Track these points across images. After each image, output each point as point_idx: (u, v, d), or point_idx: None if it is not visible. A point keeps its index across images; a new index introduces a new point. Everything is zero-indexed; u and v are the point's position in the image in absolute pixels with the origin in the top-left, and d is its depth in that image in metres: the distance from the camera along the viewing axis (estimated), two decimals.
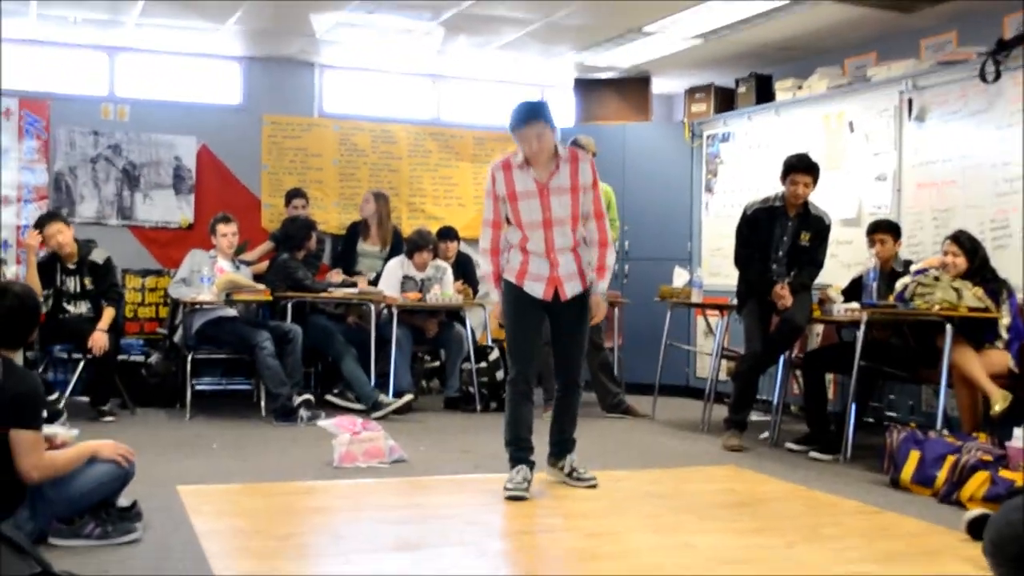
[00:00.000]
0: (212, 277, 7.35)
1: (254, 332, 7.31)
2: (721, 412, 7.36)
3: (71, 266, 7.32)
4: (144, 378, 7.82)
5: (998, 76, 6.59)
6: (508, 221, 5.07)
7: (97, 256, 7.39)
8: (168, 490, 4.85)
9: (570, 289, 5.04)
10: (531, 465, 5.06)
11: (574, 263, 5.04)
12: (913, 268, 6.32)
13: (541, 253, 5.00)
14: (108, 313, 7.21)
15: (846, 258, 7.39)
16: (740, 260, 6.75)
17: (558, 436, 5.28)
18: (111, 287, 7.40)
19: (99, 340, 6.96)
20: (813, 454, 6.26)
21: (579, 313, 5.10)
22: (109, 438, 4.14)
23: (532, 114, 4.94)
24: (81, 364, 7.30)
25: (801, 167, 6.52)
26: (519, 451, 5.07)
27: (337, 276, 8.29)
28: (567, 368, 5.21)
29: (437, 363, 9.12)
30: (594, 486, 5.12)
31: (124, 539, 3.91)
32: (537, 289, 5.03)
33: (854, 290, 6.75)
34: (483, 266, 5.22)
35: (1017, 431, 5.22)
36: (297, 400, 7.16)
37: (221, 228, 7.65)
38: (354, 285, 8.08)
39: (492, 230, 5.09)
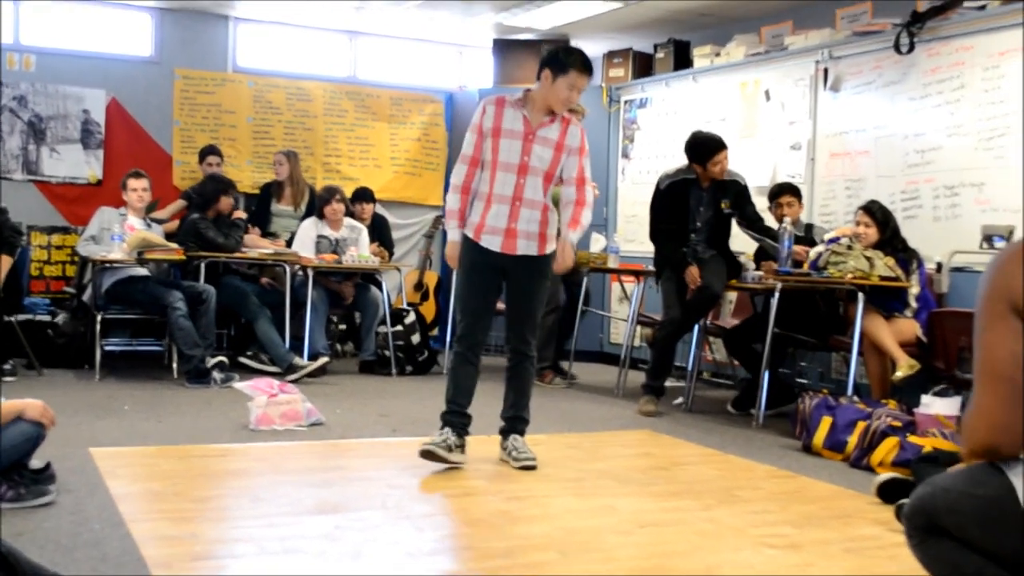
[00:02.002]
0: (123, 235, 7.19)
1: (166, 292, 7.17)
2: (636, 377, 7.45)
3: None
4: (51, 338, 7.62)
5: (912, 48, 6.70)
6: (481, 165, 4.84)
7: None
8: (81, 452, 4.76)
9: (524, 246, 4.82)
10: (459, 430, 4.86)
11: (537, 223, 4.82)
12: (826, 237, 6.43)
13: (507, 199, 4.77)
14: (6, 262, 6.93)
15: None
16: (656, 235, 6.78)
17: (505, 411, 5.05)
18: (9, 234, 7.04)
19: None
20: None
21: (530, 275, 4.88)
22: (13, 398, 4.01)
23: (591, 68, 4.81)
24: None
25: (721, 146, 6.54)
26: (449, 414, 4.89)
27: (265, 241, 8.16)
28: (515, 334, 4.96)
29: (343, 326, 9.06)
30: (531, 467, 4.80)
31: (38, 502, 3.82)
32: (494, 242, 4.80)
33: (762, 254, 6.88)
34: (449, 202, 4.90)
35: (925, 398, 5.37)
36: (211, 362, 7.06)
37: (132, 183, 7.46)
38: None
39: (468, 167, 4.85)
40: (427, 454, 4.71)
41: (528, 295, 4.91)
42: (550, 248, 4.88)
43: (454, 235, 4.89)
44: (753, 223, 6.69)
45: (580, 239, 4.99)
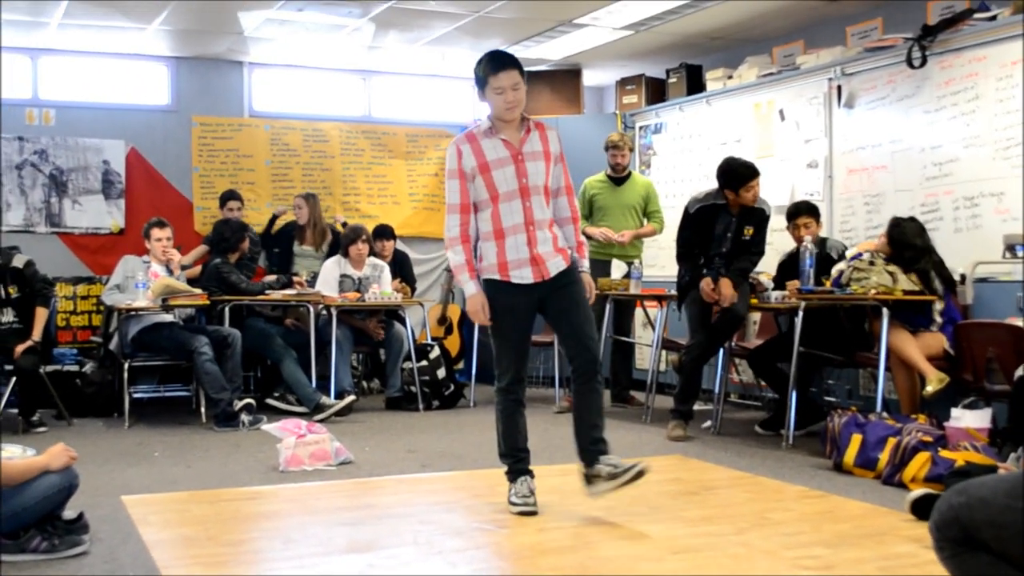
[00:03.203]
0: (147, 282, 7.24)
1: (192, 337, 7.21)
2: (662, 403, 7.43)
3: None
4: (79, 387, 7.69)
5: (924, 61, 6.71)
6: (474, 207, 4.55)
7: (18, 262, 7.13)
8: (113, 500, 4.77)
9: (554, 266, 4.53)
10: (532, 475, 4.64)
11: (551, 240, 4.53)
12: (848, 253, 6.41)
13: (519, 227, 4.48)
14: (41, 315, 7.04)
15: (780, 245, 7.46)
16: (683, 258, 6.76)
17: (587, 436, 4.56)
18: (41, 286, 7.14)
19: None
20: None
21: (573, 287, 4.58)
22: (42, 449, 4.03)
23: (510, 60, 4.48)
24: (13, 378, 7.10)
25: (754, 173, 6.50)
26: (518, 463, 4.62)
27: (273, 277, 8.22)
28: (582, 348, 4.53)
29: (365, 364, 9.07)
30: (641, 473, 4.42)
31: (72, 552, 3.83)
32: (525, 275, 4.50)
33: (782, 274, 6.86)
34: (452, 257, 4.56)
35: (955, 411, 5.33)
36: (238, 404, 7.08)
37: (156, 233, 7.52)
38: (290, 284, 8.01)
39: (461, 215, 4.52)
40: (528, 514, 4.50)
41: (579, 305, 4.58)
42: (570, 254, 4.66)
43: (471, 287, 4.53)
44: (749, 247, 6.62)
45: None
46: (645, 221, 8.12)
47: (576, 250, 4.68)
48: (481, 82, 4.50)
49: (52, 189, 8.82)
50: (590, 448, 4.54)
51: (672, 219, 7.45)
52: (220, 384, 7.09)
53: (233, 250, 7.93)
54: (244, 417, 7.01)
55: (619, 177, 8.07)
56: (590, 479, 4.53)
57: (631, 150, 8.12)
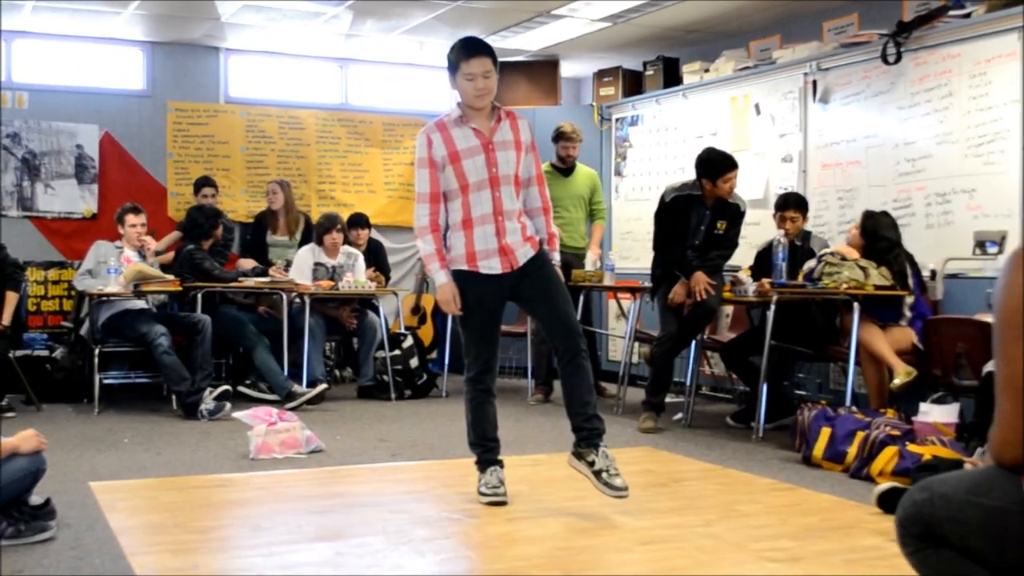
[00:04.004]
0: (119, 268, 7.20)
1: (150, 328, 7.13)
2: (634, 395, 7.46)
3: None
4: (49, 373, 7.64)
5: (899, 57, 6.74)
6: (444, 197, 4.51)
7: None
8: (81, 486, 4.76)
9: (522, 255, 4.48)
10: (501, 465, 4.62)
11: (519, 230, 4.49)
12: (820, 253, 6.44)
13: (487, 217, 4.43)
14: (11, 299, 7.00)
15: (755, 239, 7.49)
16: (660, 245, 6.78)
17: (580, 414, 4.47)
18: (12, 270, 7.10)
19: None
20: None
21: (544, 269, 4.54)
22: (12, 435, 4.00)
23: (482, 47, 4.43)
24: None
25: (733, 164, 6.52)
26: (487, 452, 4.61)
27: (249, 264, 8.19)
28: (563, 326, 4.47)
29: (332, 355, 9.07)
30: (623, 497, 4.36)
31: (38, 538, 3.81)
32: (494, 265, 4.46)
33: (760, 265, 6.89)
34: (422, 247, 4.52)
35: (923, 406, 5.38)
36: (213, 392, 7.03)
37: (130, 219, 7.47)
38: (264, 273, 7.98)
39: (430, 204, 4.47)
40: (497, 504, 4.49)
41: (553, 285, 4.54)
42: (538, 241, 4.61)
43: (441, 277, 4.49)
44: (721, 243, 6.64)
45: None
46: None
47: (548, 242, 4.64)
48: (452, 67, 4.44)
49: (24, 173, 8.75)
50: (585, 427, 4.47)
51: (648, 211, 7.45)
52: (179, 375, 7.01)
53: (206, 237, 7.89)
54: (203, 407, 6.91)
55: (566, 168, 8.07)
56: (579, 456, 4.48)
57: (580, 142, 8.11)
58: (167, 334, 7.10)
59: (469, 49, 4.42)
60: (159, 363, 7.08)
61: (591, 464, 4.42)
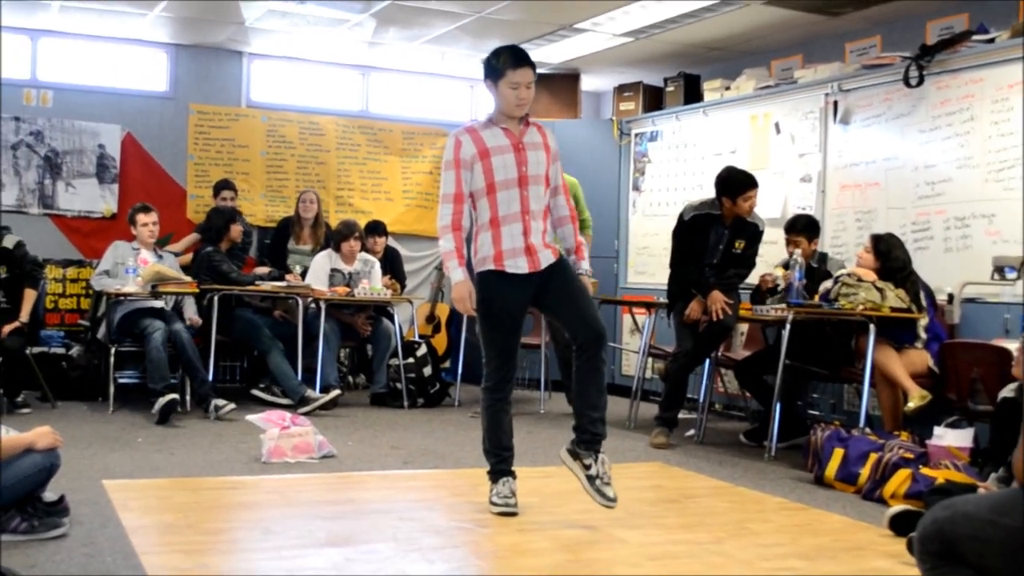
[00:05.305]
0: (137, 268, 7.23)
1: (150, 322, 7.10)
2: (647, 410, 7.45)
3: None
4: (65, 371, 7.68)
5: (921, 81, 6.73)
6: (472, 197, 4.52)
7: (8, 242, 7.10)
8: (94, 484, 4.78)
9: (544, 259, 4.49)
10: (514, 476, 4.63)
11: (541, 233, 4.50)
12: (837, 273, 6.43)
13: (515, 216, 4.43)
14: (29, 296, 7.04)
15: (772, 258, 7.49)
16: (677, 263, 6.78)
17: (585, 415, 4.48)
18: (31, 267, 7.14)
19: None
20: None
21: (568, 274, 4.55)
22: (28, 431, 4.03)
23: (528, 58, 4.46)
24: None
25: (753, 183, 6.52)
26: (502, 462, 4.60)
27: (265, 269, 8.21)
28: (585, 322, 4.45)
29: (346, 361, 9.08)
30: (610, 507, 4.42)
31: (51, 534, 3.83)
32: (521, 264, 4.45)
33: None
34: (443, 244, 4.50)
35: (937, 429, 5.35)
36: (162, 400, 6.78)
37: (141, 218, 7.50)
38: (281, 277, 8.00)
39: (455, 204, 4.47)
40: (508, 514, 4.50)
41: (574, 285, 4.54)
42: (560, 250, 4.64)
43: (458, 275, 4.48)
44: (738, 262, 6.65)
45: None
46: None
47: (576, 251, 4.67)
48: (497, 74, 4.44)
49: (46, 171, 8.80)
50: (589, 429, 4.47)
51: (665, 227, 7.45)
52: (159, 374, 6.92)
53: (220, 237, 7.90)
54: (155, 408, 6.77)
55: None
56: (575, 456, 4.50)
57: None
58: (164, 330, 7.07)
59: (518, 58, 4.45)
60: (147, 355, 7.01)
61: (587, 467, 4.45)
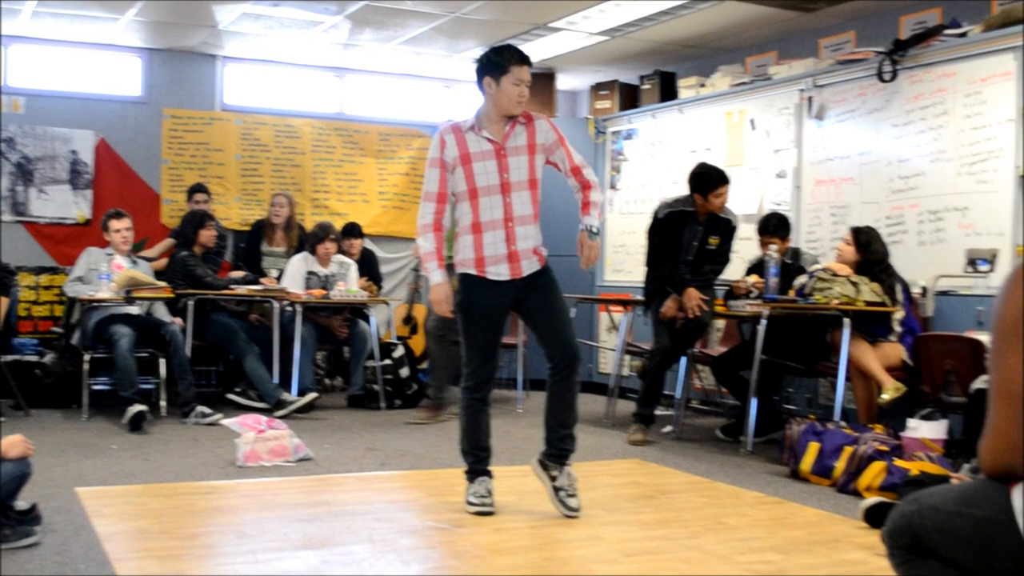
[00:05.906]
0: (111, 274, 7.18)
1: (116, 328, 7.04)
2: (624, 407, 7.45)
3: None
4: (38, 378, 7.61)
5: (895, 75, 6.76)
6: (453, 199, 4.54)
7: None
8: (67, 492, 4.74)
9: (527, 267, 4.51)
10: (490, 475, 4.64)
11: (530, 239, 4.52)
12: (811, 268, 6.45)
13: (498, 223, 4.46)
14: (2, 304, 6.95)
15: (747, 253, 7.51)
16: (652, 261, 6.79)
17: (555, 431, 4.58)
18: (3, 274, 7.03)
19: None
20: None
21: (546, 284, 4.55)
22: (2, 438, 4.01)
23: (528, 57, 4.48)
24: None
25: (724, 179, 6.54)
26: (479, 462, 4.62)
27: (240, 273, 8.17)
28: (562, 342, 4.51)
29: (323, 364, 9.05)
30: (573, 517, 4.49)
31: (23, 543, 3.80)
32: (502, 271, 4.48)
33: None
34: (422, 244, 4.51)
35: (911, 422, 5.38)
36: (131, 411, 6.69)
37: (114, 224, 7.43)
38: (256, 281, 7.96)
39: (436, 203, 4.48)
40: (485, 514, 4.51)
41: (555, 301, 4.57)
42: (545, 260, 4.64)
43: (437, 276, 4.50)
44: (713, 258, 6.66)
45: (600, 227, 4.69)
46: None
47: (583, 208, 4.61)
48: (500, 69, 4.44)
49: (18, 177, 8.73)
50: (558, 444, 4.59)
51: (641, 225, 7.45)
52: (128, 380, 6.86)
53: (192, 240, 7.85)
54: (126, 418, 6.70)
55: None
56: (544, 467, 4.61)
57: None
58: (131, 336, 7.00)
59: (522, 56, 4.49)
60: (115, 361, 6.95)
61: (553, 479, 4.57)
